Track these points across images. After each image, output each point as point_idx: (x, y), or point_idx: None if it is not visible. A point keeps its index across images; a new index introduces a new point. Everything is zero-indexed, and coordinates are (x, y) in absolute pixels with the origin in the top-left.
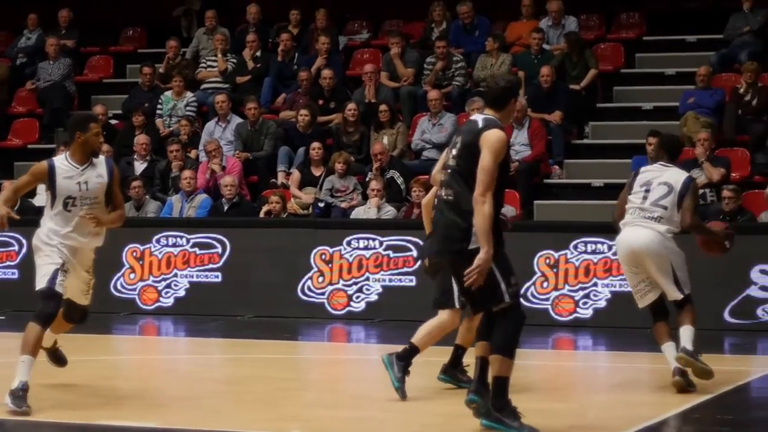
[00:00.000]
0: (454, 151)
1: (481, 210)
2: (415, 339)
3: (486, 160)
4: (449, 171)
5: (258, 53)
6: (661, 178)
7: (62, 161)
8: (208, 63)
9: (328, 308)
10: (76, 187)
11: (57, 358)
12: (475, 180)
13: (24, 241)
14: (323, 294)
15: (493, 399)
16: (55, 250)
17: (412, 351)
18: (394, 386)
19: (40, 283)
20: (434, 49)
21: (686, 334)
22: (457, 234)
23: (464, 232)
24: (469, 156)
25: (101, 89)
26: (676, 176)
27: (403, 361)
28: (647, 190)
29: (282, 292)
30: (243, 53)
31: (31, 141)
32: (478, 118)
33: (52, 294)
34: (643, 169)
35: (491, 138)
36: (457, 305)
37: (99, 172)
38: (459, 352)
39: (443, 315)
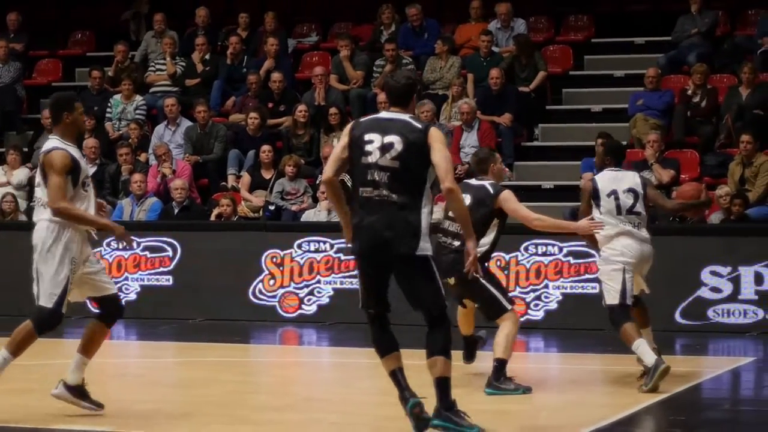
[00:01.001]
0: (380, 152)
1: (458, 197)
2: (498, 353)
3: (445, 152)
4: (386, 172)
5: (207, 56)
6: (623, 186)
7: (62, 144)
8: (157, 66)
9: (280, 311)
10: (87, 166)
11: (83, 393)
12: (419, 180)
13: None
14: (274, 297)
15: (442, 399)
16: (72, 248)
17: (500, 365)
18: (519, 393)
19: (48, 300)
20: (383, 51)
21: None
22: (410, 237)
23: (415, 235)
24: (416, 155)
25: (50, 92)
26: (634, 179)
27: (501, 376)
28: (617, 199)
29: (233, 295)
30: (192, 56)
31: None
32: (400, 116)
33: (59, 316)
34: (598, 178)
35: (439, 134)
36: (509, 307)
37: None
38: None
39: (505, 321)
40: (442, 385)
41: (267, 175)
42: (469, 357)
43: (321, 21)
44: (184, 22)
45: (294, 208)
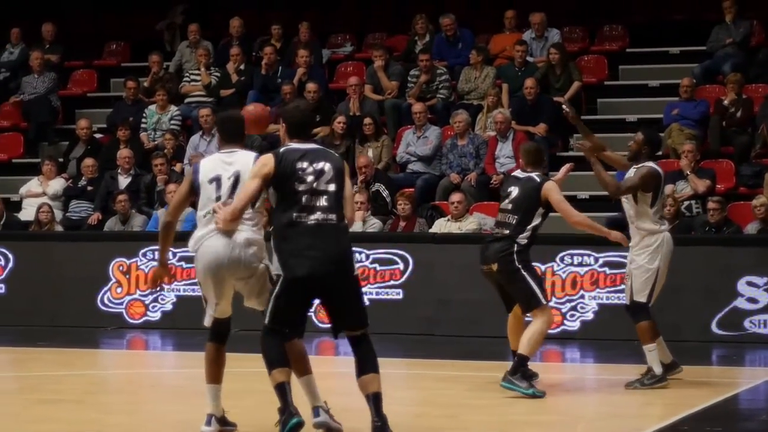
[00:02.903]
0: (316, 179)
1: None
2: (522, 348)
3: (350, 186)
4: (325, 196)
5: (242, 66)
6: None
7: None
8: (192, 77)
9: (315, 321)
10: None
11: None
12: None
13: None
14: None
15: (380, 413)
16: None
17: (521, 360)
18: (529, 395)
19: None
20: (418, 62)
21: None
22: (351, 258)
23: (352, 257)
24: (341, 180)
25: (85, 103)
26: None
27: (517, 372)
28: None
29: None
30: (227, 67)
31: (15, 155)
32: (321, 146)
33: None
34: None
35: (347, 166)
36: (544, 301)
37: None
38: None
39: (537, 318)
40: (379, 399)
41: None
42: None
43: (355, 31)
44: (218, 32)
45: None
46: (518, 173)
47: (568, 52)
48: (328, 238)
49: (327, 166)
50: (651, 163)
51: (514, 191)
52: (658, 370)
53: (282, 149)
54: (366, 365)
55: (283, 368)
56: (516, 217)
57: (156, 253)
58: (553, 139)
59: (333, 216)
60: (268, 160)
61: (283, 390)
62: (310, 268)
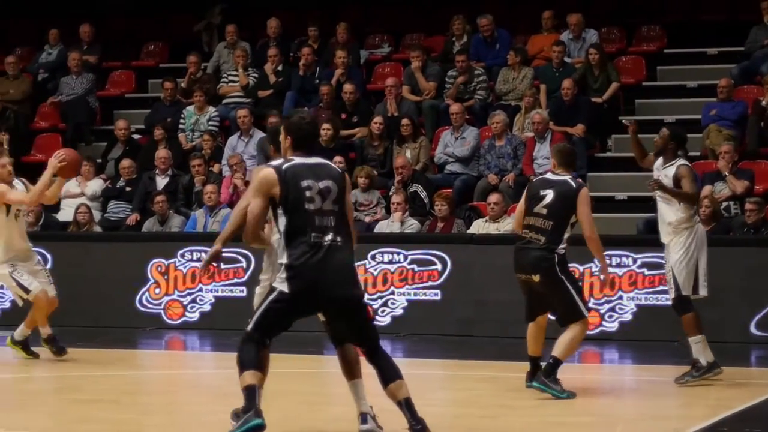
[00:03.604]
0: (321, 197)
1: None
2: (557, 352)
3: (349, 199)
4: (332, 217)
5: (279, 67)
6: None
7: None
8: (230, 77)
9: None
10: None
11: None
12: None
13: None
14: None
15: (416, 417)
16: None
17: (556, 363)
18: (563, 398)
19: None
20: (455, 62)
21: None
22: (356, 278)
23: (357, 276)
24: (344, 198)
25: (123, 104)
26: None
27: (551, 375)
28: None
29: None
30: (264, 67)
31: None
32: (325, 160)
33: None
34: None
35: (349, 180)
36: (586, 314)
37: None
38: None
39: (576, 327)
40: (411, 403)
41: None
42: (532, 379)
43: (393, 32)
44: (256, 33)
45: (367, 219)
46: (550, 176)
47: (606, 52)
48: (334, 258)
49: (332, 185)
50: (681, 160)
51: (549, 195)
52: (704, 361)
53: (285, 165)
54: (389, 373)
55: (255, 371)
56: (551, 222)
57: (194, 253)
58: (591, 139)
59: (339, 237)
60: (272, 180)
61: (252, 392)
62: (319, 288)
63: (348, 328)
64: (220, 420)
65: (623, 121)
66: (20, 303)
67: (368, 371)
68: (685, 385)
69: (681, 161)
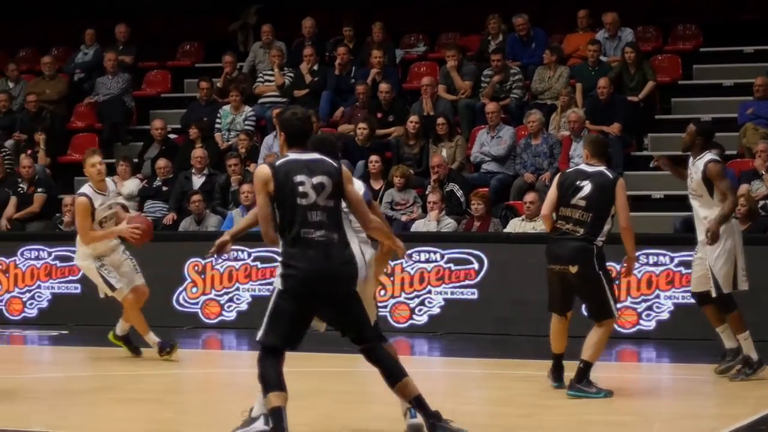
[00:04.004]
0: (315, 192)
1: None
2: (586, 355)
3: (356, 191)
4: (326, 213)
5: (315, 67)
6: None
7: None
8: (266, 77)
9: (391, 321)
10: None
11: None
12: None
13: None
14: (385, 307)
15: (429, 412)
16: None
17: (587, 367)
18: (600, 397)
19: None
20: (491, 61)
21: None
22: (354, 273)
23: (356, 270)
24: (337, 194)
25: (159, 104)
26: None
27: (584, 379)
28: None
29: None
30: (300, 67)
31: None
32: (320, 156)
33: None
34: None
35: (348, 172)
36: (616, 314)
37: None
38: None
39: (603, 327)
40: (423, 400)
41: (376, 185)
42: (558, 379)
43: (428, 31)
44: (291, 33)
45: (404, 218)
46: (585, 167)
47: (642, 51)
48: (327, 254)
49: (326, 180)
50: (709, 155)
51: (587, 186)
52: (755, 356)
53: (279, 162)
54: (395, 373)
55: (280, 392)
56: (590, 214)
57: (231, 252)
58: (627, 138)
59: (333, 233)
60: (266, 177)
61: (278, 415)
62: (311, 286)
63: (342, 324)
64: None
65: (652, 163)
66: (102, 296)
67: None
68: (741, 380)
69: (709, 156)
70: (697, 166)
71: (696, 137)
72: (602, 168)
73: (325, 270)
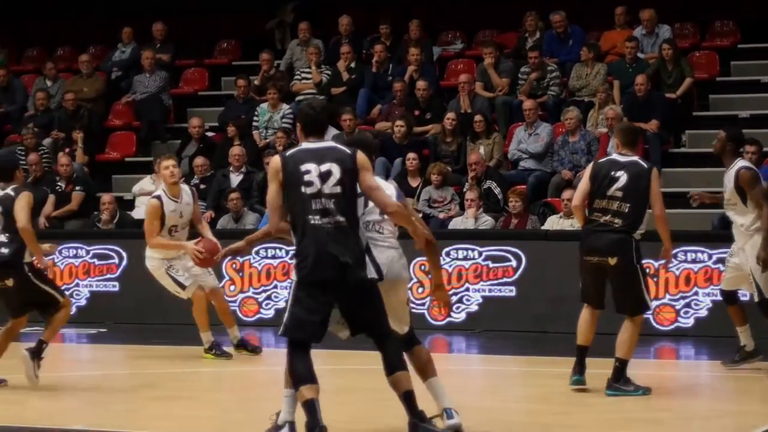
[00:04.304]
0: (321, 180)
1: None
2: (622, 353)
3: (373, 178)
4: (333, 200)
5: (352, 64)
6: None
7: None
8: (303, 75)
9: (429, 319)
10: None
11: None
12: (356, 204)
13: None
14: (424, 304)
15: (415, 412)
16: None
17: (623, 365)
18: (639, 395)
19: None
20: (528, 59)
21: None
22: (363, 261)
23: (365, 259)
24: (351, 180)
25: (197, 102)
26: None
27: (621, 378)
28: None
29: None
30: (337, 64)
31: (128, 154)
32: (333, 143)
33: None
34: None
35: (365, 159)
36: (651, 308)
37: None
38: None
39: (634, 323)
40: (411, 397)
41: (414, 183)
42: (580, 372)
43: (466, 29)
44: (328, 30)
45: (441, 215)
46: (617, 157)
47: (679, 48)
48: (337, 242)
49: (334, 168)
50: (741, 162)
51: (622, 177)
52: None
53: (289, 152)
54: (395, 363)
55: (311, 385)
56: (628, 204)
57: (269, 250)
58: (665, 135)
59: (343, 219)
60: (277, 166)
61: (311, 407)
62: (322, 272)
63: (353, 314)
64: (298, 417)
65: (693, 203)
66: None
67: (437, 367)
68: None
69: (740, 163)
70: (729, 176)
71: (726, 143)
72: (635, 157)
73: (331, 253)
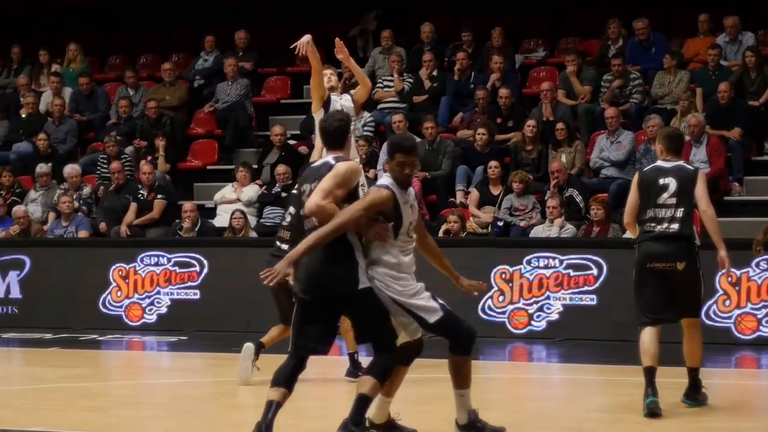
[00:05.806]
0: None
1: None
2: (695, 363)
3: (329, 181)
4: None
5: (434, 72)
6: None
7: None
8: (385, 83)
9: (509, 327)
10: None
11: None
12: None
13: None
14: (504, 313)
15: (356, 414)
16: None
17: (697, 374)
18: (702, 405)
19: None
20: (611, 66)
21: None
22: (342, 276)
23: (344, 274)
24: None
25: (279, 110)
26: None
27: (699, 387)
28: None
29: (461, 310)
30: (419, 72)
31: (210, 162)
32: (325, 160)
33: None
34: None
35: (338, 167)
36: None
37: None
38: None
39: (696, 327)
40: (363, 402)
41: (495, 191)
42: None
43: (548, 36)
44: (410, 38)
45: (522, 224)
46: (662, 163)
47: (763, 55)
48: (321, 255)
49: (315, 185)
50: None
51: (672, 183)
52: None
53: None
54: (371, 367)
55: (279, 388)
56: (682, 209)
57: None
58: (748, 143)
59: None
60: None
61: (269, 406)
62: (308, 283)
63: (356, 327)
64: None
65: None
66: None
67: (517, 376)
68: None
69: None
70: None
71: None
72: (680, 162)
73: (311, 267)
